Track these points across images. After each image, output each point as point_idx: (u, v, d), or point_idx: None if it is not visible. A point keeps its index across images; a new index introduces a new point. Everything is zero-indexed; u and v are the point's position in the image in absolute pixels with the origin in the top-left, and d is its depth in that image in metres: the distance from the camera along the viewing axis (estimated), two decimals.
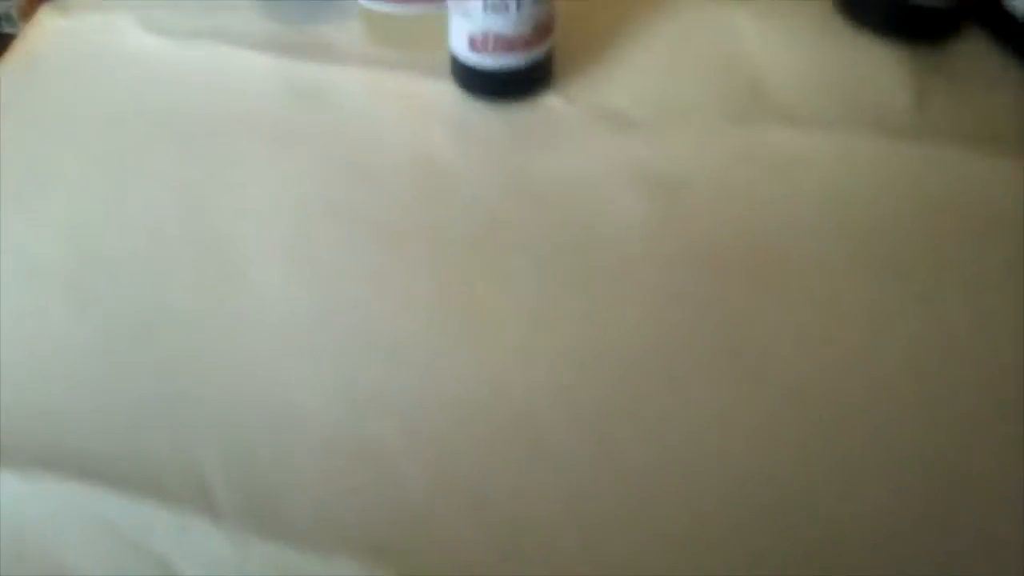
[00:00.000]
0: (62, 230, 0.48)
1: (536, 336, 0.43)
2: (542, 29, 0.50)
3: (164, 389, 0.42)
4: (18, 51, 0.58)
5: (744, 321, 0.43)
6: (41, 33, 0.59)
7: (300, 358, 0.43)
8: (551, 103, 0.53)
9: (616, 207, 0.48)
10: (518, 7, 0.48)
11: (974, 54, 0.54)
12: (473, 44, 0.50)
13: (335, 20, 0.57)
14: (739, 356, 0.42)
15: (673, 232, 0.47)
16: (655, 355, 0.42)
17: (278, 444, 0.40)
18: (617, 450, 0.39)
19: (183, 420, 0.41)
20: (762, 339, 0.42)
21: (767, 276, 0.45)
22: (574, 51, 0.54)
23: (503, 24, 0.49)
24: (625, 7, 0.58)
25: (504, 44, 0.50)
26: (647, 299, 0.44)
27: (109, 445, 0.40)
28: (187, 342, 0.43)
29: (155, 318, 0.44)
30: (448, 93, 0.53)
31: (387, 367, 0.42)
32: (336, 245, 0.47)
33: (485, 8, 0.48)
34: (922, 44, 0.54)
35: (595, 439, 0.39)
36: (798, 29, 0.56)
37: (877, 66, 0.53)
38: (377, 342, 0.43)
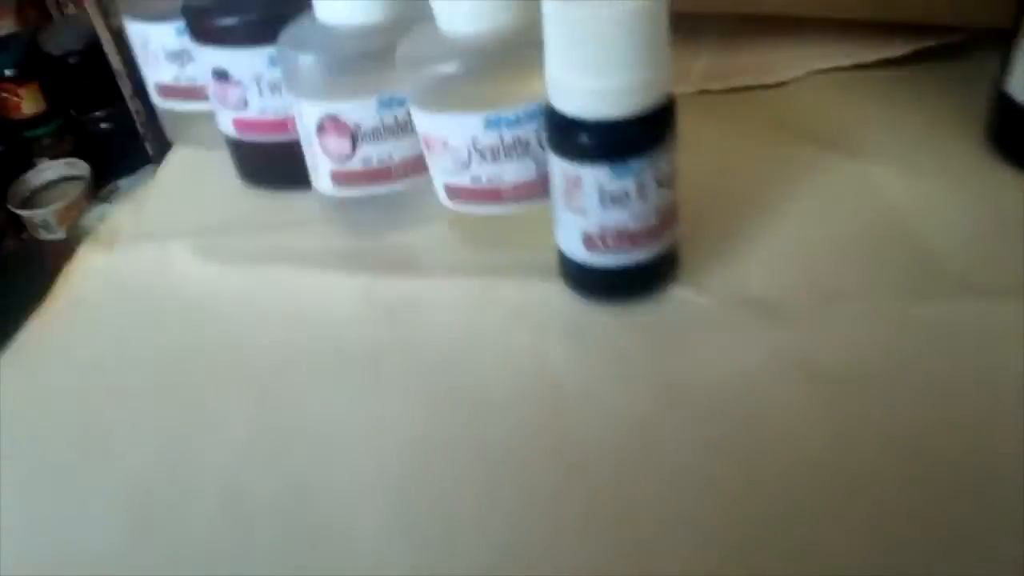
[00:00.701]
0: (117, 505, 0.40)
1: None
2: (668, 216, 0.43)
3: None
4: (59, 295, 0.52)
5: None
6: (84, 273, 0.53)
7: None
8: (682, 298, 0.46)
9: (780, 414, 0.40)
10: (641, 197, 0.41)
11: None
12: (589, 242, 0.43)
13: (418, 227, 0.51)
14: None
15: (855, 436, 0.39)
16: None
17: None
18: None
19: None
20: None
21: (979, 478, 0.36)
22: (702, 233, 0.47)
23: (624, 217, 0.42)
24: (755, 178, 0.52)
25: (626, 239, 0.43)
26: (849, 525, 0.36)
27: None
28: None
29: None
30: (560, 298, 0.47)
31: None
32: (446, 489, 0.39)
33: (602, 201, 0.41)
34: None
35: None
36: (956, 182, 0.49)
37: None
38: None
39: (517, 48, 0.42)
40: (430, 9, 0.43)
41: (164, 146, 0.62)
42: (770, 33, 0.60)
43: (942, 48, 0.58)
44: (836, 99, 0.57)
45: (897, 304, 0.44)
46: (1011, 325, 0.42)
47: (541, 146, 0.44)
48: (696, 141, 0.48)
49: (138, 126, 1.06)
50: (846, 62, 0.58)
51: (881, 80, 0.58)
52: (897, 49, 0.58)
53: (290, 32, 0.47)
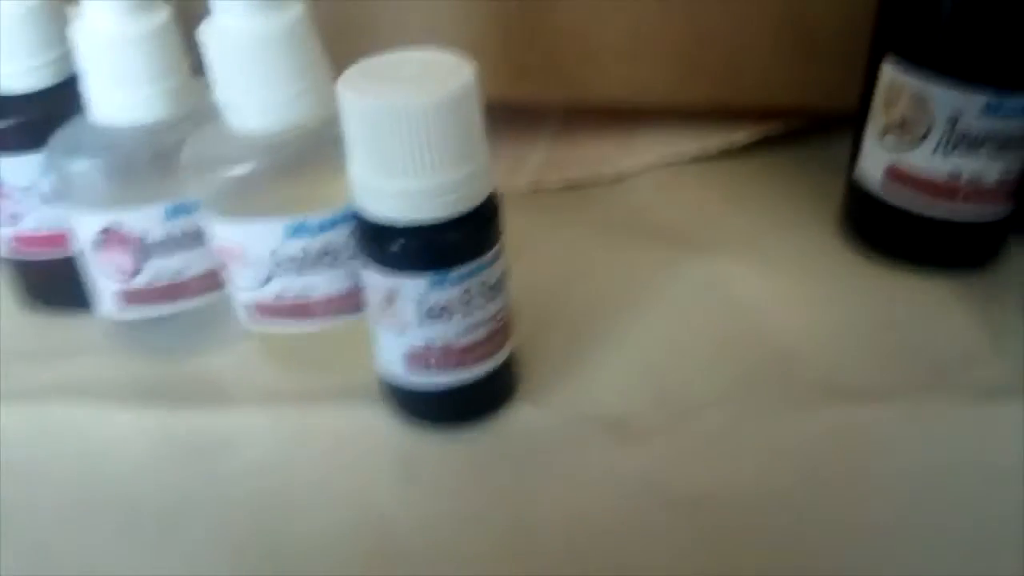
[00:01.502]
0: None
1: None
2: (501, 328, 0.39)
3: None
4: None
5: None
6: None
7: None
8: (523, 418, 0.41)
9: (633, 544, 0.35)
10: (467, 308, 0.37)
11: None
12: (412, 361, 0.38)
13: (220, 349, 0.45)
14: None
15: (716, 563, 0.35)
16: None
17: None
18: None
19: None
20: None
21: None
22: (542, 344, 0.43)
23: (449, 332, 0.37)
24: (599, 281, 0.47)
25: (453, 356, 0.38)
26: None
27: None
28: None
29: None
30: (385, 425, 0.41)
31: None
32: None
33: (423, 315, 0.36)
34: (966, 270, 0.45)
35: None
36: (812, 276, 0.46)
37: (927, 308, 0.44)
38: None
39: (320, 145, 0.37)
40: (218, 105, 0.38)
41: None
42: (610, 124, 0.57)
43: (790, 134, 0.55)
44: (682, 192, 0.54)
45: (755, 415, 0.40)
46: (876, 429, 0.39)
47: (353, 254, 0.39)
48: (534, 242, 0.45)
49: None
50: (691, 152, 0.55)
51: (727, 170, 0.55)
52: (742, 137, 0.55)
53: (62, 135, 0.41)
